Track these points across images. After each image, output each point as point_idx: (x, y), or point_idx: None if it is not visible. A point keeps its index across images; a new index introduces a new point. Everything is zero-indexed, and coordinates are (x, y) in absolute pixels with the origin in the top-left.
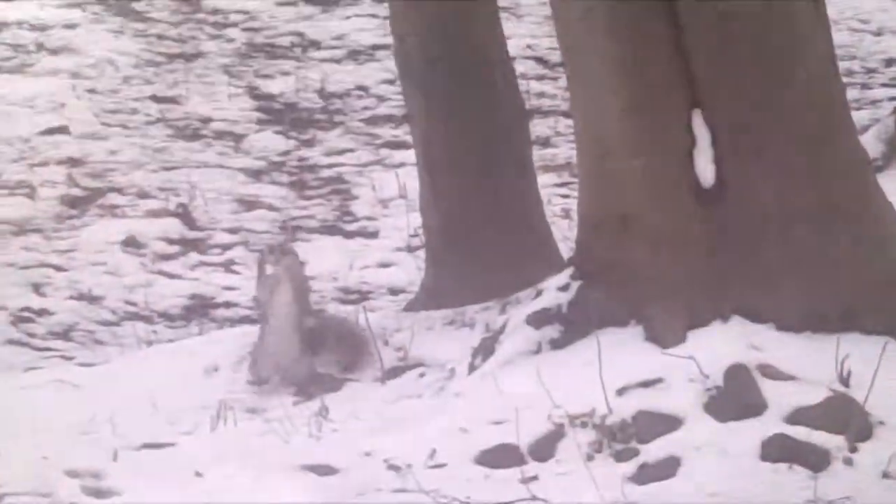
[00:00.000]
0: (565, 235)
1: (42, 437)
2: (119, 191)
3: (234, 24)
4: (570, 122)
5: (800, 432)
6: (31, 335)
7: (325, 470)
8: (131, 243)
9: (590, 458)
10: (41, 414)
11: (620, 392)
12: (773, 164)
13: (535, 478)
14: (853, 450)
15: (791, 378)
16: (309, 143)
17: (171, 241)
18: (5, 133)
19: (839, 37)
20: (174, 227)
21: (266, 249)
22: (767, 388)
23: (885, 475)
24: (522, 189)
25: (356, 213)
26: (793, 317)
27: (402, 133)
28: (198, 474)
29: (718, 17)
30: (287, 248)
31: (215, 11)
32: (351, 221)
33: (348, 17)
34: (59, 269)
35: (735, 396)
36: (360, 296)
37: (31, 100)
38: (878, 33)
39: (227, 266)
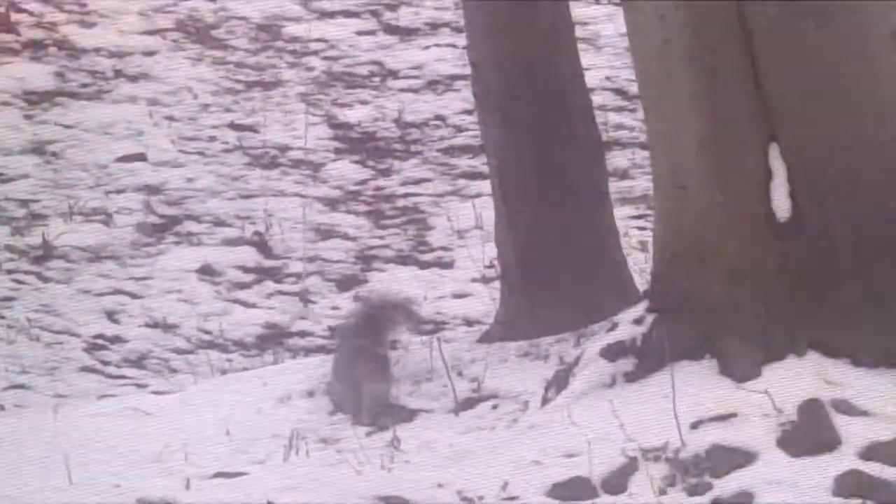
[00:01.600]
0: (641, 268)
1: (115, 466)
2: (195, 218)
3: (314, 53)
4: (647, 153)
5: (874, 468)
6: (105, 363)
7: (397, 501)
8: (207, 271)
9: (662, 492)
10: (114, 442)
11: (694, 426)
12: (849, 199)
13: None
14: None
15: (865, 414)
16: (386, 173)
17: (246, 270)
18: (82, 160)
19: None
20: (250, 255)
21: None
22: (842, 423)
23: None
24: (599, 221)
25: (432, 244)
26: (868, 352)
27: (479, 163)
28: None
29: (795, 50)
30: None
31: (294, 39)
32: (426, 252)
33: (427, 47)
34: (133, 296)
35: (809, 431)
36: (434, 326)
37: (108, 126)
38: None
39: (303, 295)
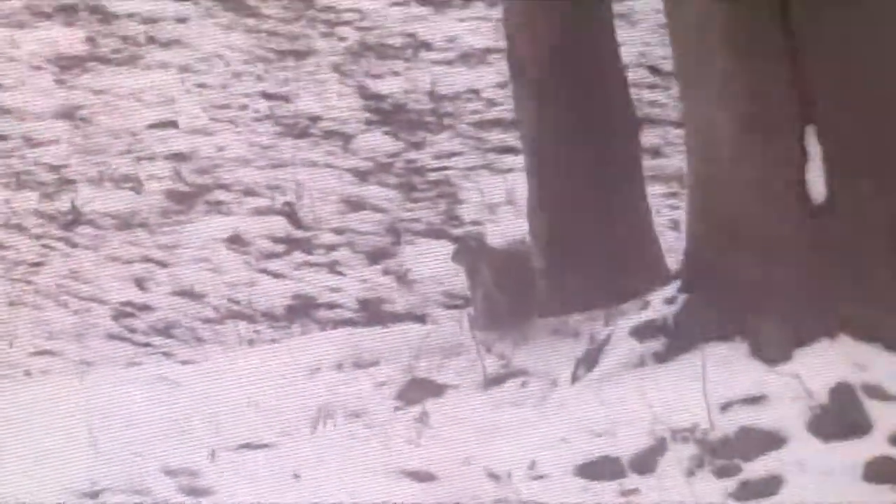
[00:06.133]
0: (672, 247)
1: (140, 434)
2: (226, 187)
3: (347, 23)
4: (681, 132)
5: None
6: (132, 330)
7: (424, 476)
8: (236, 241)
9: (691, 473)
10: (140, 411)
11: (724, 408)
12: (885, 182)
13: (635, 491)
14: None
15: None
16: (417, 146)
17: (276, 240)
18: (113, 126)
19: None
20: (280, 225)
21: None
22: (873, 408)
23: None
24: (631, 198)
25: (463, 218)
26: None
27: (512, 138)
28: (296, 476)
29: (834, 33)
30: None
31: (327, 9)
32: (457, 226)
33: (461, 20)
34: (162, 264)
35: (839, 416)
36: (464, 301)
37: (139, 93)
38: None
39: (332, 267)
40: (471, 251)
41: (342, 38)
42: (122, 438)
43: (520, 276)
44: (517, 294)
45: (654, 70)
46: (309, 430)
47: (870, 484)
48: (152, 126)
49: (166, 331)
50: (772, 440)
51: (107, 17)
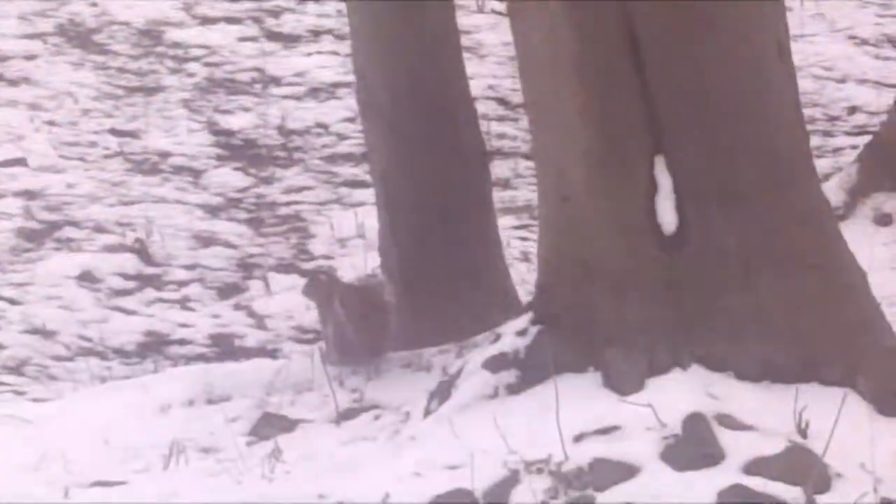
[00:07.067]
0: (524, 279)
1: None
2: (76, 224)
3: (195, 59)
4: (530, 163)
5: (757, 483)
6: None
7: None
8: (87, 278)
9: None
10: None
11: (577, 439)
12: (735, 211)
13: None
14: (811, 502)
15: (749, 428)
16: (268, 181)
17: (127, 277)
18: None
19: (803, 84)
20: (131, 262)
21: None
22: (725, 437)
23: None
24: (483, 231)
25: (313, 252)
26: (752, 366)
27: (362, 172)
28: None
29: (684, 61)
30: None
31: (175, 45)
32: (308, 260)
33: (309, 54)
34: (13, 302)
35: (693, 445)
36: (316, 335)
37: None
38: (842, 80)
39: (183, 303)
40: (321, 285)
41: (191, 74)
42: None
43: (372, 309)
44: (369, 328)
45: (503, 102)
46: (162, 466)
47: None
48: (1, 164)
49: (18, 369)
50: (626, 470)
51: None
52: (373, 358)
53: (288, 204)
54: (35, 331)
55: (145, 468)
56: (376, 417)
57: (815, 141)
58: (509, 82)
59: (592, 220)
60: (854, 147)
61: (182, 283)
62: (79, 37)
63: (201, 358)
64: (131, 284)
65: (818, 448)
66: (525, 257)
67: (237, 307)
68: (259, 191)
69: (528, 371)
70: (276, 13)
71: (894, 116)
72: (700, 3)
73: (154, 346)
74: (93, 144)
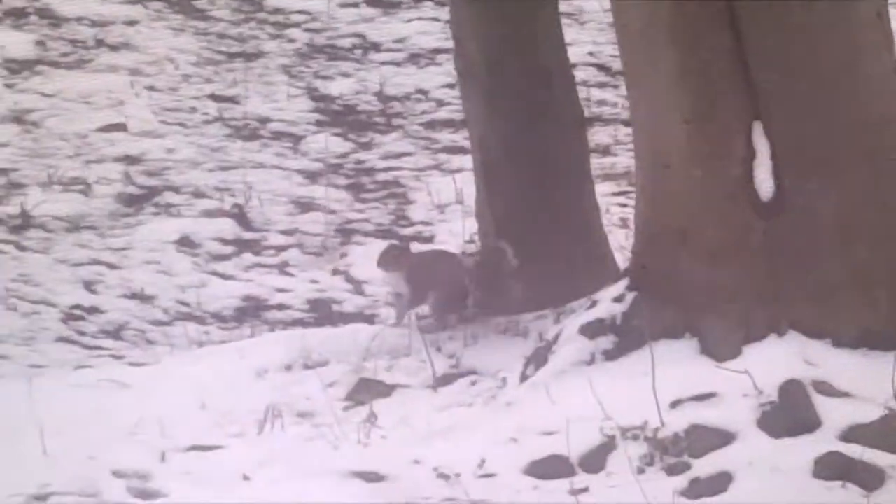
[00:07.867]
0: (622, 245)
1: (90, 437)
2: (175, 190)
3: (296, 25)
4: (630, 130)
5: (854, 450)
6: (82, 333)
7: (372, 477)
8: (185, 243)
9: (641, 471)
10: (90, 413)
11: (673, 405)
12: (832, 179)
13: (584, 489)
14: None
15: (846, 395)
16: (367, 147)
17: (225, 242)
18: (62, 129)
19: None
20: (229, 227)
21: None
22: (822, 404)
23: None
24: (580, 197)
25: (412, 218)
26: (849, 333)
27: (461, 138)
28: (245, 478)
29: (780, 28)
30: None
31: (276, 11)
32: (406, 226)
33: (410, 21)
34: (112, 266)
35: (789, 412)
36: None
37: (88, 96)
38: None
39: (281, 268)
40: (398, 255)
41: (291, 40)
42: (73, 441)
43: (495, 275)
44: (493, 293)
45: (603, 69)
46: (257, 431)
47: (819, 480)
48: (101, 129)
49: (116, 333)
50: (721, 437)
51: (56, 20)
52: (469, 323)
53: (387, 170)
54: (133, 295)
55: (241, 432)
56: (473, 383)
57: None
58: (610, 49)
59: (689, 187)
60: None
61: (280, 249)
62: (179, 2)
63: (299, 323)
64: (229, 249)
65: None
66: (624, 224)
67: (335, 272)
68: (358, 156)
69: (624, 337)
70: None
71: None
72: None
73: (251, 311)
74: (192, 110)
